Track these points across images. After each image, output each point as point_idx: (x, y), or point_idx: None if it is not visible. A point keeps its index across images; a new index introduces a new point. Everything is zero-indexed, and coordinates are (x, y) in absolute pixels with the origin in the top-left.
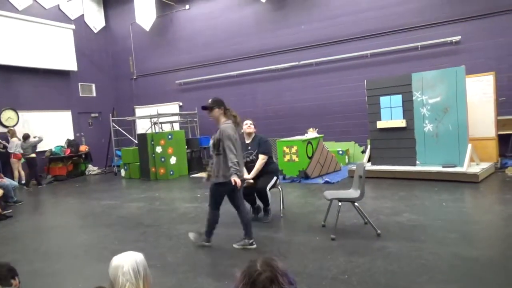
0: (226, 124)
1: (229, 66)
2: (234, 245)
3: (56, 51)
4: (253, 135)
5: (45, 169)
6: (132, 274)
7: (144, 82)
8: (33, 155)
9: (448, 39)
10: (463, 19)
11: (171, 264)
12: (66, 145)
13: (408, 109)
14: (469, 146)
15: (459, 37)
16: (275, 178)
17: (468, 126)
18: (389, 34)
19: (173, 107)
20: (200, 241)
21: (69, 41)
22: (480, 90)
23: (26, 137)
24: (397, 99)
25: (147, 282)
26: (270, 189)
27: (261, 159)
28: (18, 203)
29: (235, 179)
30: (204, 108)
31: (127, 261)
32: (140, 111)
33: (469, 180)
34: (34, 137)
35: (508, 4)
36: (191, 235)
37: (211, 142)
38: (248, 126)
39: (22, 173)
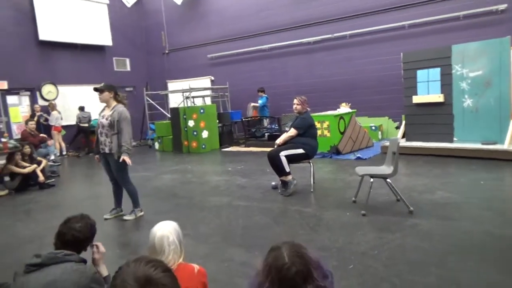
0: (122, 108)
1: (259, 39)
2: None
3: (92, 26)
4: (302, 112)
5: (83, 141)
6: (177, 243)
7: (176, 56)
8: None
9: (493, 7)
10: None
11: (203, 235)
12: None
13: (446, 83)
14: None
15: (506, 5)
16: (298, 150)
17: None
18: (429, 3)
19: (205, 81)
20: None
21: (104, 16)
22: None
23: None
24: (435, 72)
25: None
26: (293, 161)
27: (290, 132)
28: (54, 175)
29: (125, 157)
30: (95, 89)
31: (171, 231)
32: (172, 85)
33: (510, 158)
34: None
35: None
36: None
37: (105, 121)
38: (294, 104)
39: (63, 144)
